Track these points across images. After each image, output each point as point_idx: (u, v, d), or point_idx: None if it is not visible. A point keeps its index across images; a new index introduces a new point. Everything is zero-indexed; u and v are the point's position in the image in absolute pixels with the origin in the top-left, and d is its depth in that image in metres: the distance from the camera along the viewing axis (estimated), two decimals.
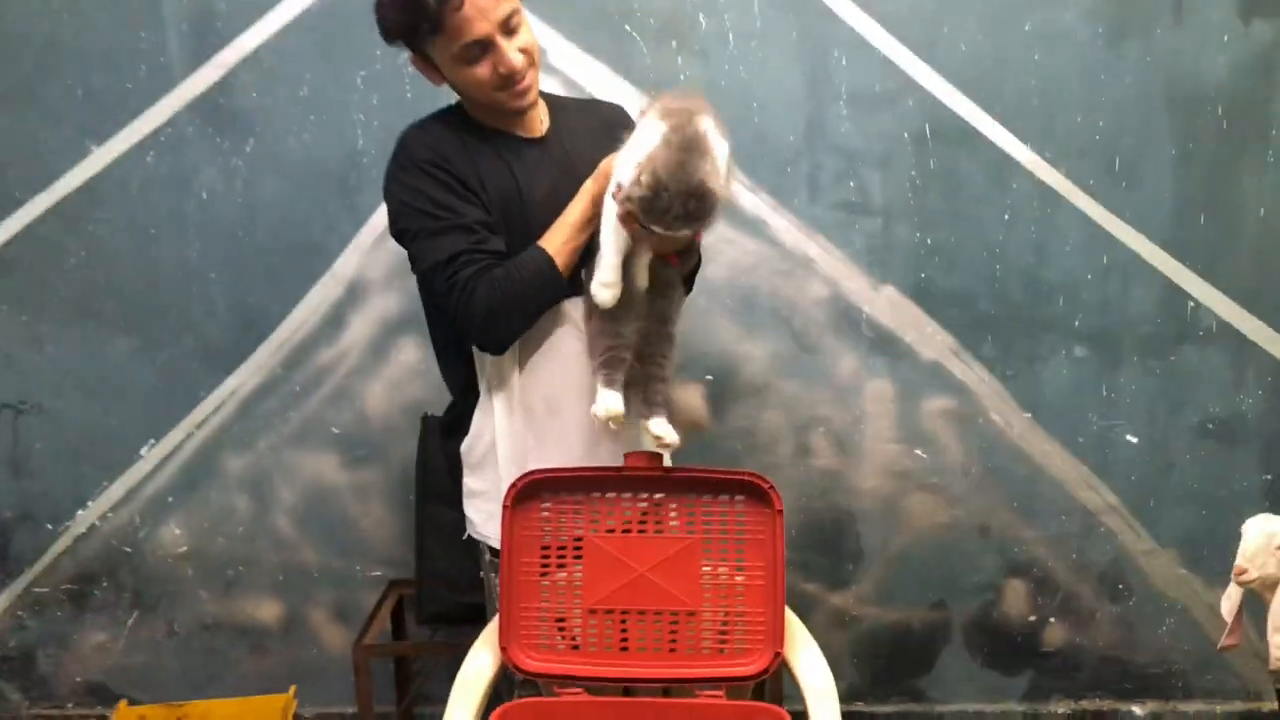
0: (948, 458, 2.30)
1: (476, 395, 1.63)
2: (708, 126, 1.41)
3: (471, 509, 1.68)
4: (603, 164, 1.53)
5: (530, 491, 1.55)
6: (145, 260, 2.24)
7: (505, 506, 1.53)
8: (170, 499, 2.34)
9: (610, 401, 1.52)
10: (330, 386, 2.28)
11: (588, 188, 1.54)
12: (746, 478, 1.53)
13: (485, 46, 1.47)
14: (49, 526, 2.36)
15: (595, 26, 2.14)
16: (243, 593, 2.39)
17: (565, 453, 1.60)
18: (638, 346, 1.57)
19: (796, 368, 2.26)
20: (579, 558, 1.56)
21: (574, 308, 1.59)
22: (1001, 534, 2.33)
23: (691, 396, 2.26)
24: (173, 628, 2.40)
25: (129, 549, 2.37)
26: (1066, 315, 2.23)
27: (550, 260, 1.51)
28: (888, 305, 2.24)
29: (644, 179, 1.37)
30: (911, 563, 2.35)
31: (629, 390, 1.56)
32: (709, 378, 2.27)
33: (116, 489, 2.34)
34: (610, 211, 1.48)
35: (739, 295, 2.24)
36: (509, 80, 1.50)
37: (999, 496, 2.31)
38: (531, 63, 1.53)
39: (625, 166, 1.42)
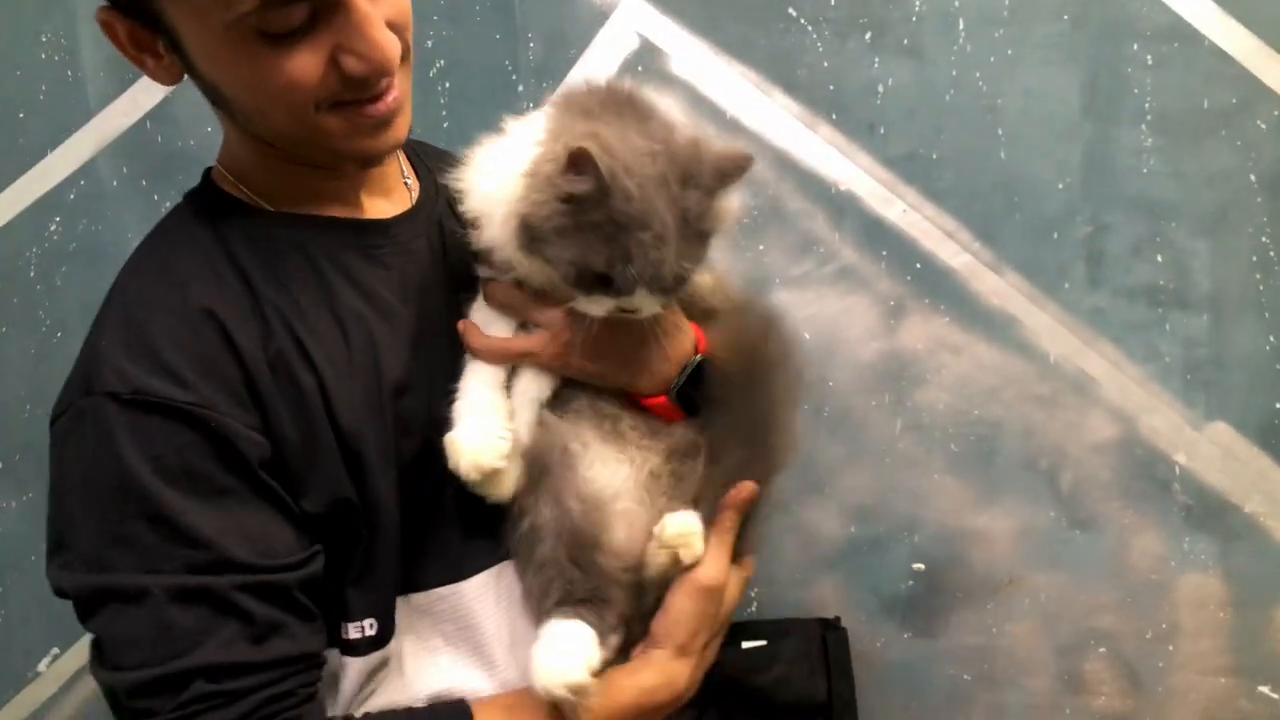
0: None
1: None
2: None
3: None
4: None
5: None
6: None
7: None
8: None
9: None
10: None
11: None
12: None
13: (322, 9, 0.69)
14: None
15: (739, 12, 1.41)
16: None
17: None
18: None
19: (1063, 553, 1.46)
20: None
21: None
22: None
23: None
24: None
25: None
26: None
27: None
28: (1217, 454, 1.42)
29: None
30: None
31: None
32: (919, 566, 1.45)
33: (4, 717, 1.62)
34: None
35: (970, 435, 1.44)
36: (364, 85, 0.72)
37: None
38: (405, 51, 0.76)
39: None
